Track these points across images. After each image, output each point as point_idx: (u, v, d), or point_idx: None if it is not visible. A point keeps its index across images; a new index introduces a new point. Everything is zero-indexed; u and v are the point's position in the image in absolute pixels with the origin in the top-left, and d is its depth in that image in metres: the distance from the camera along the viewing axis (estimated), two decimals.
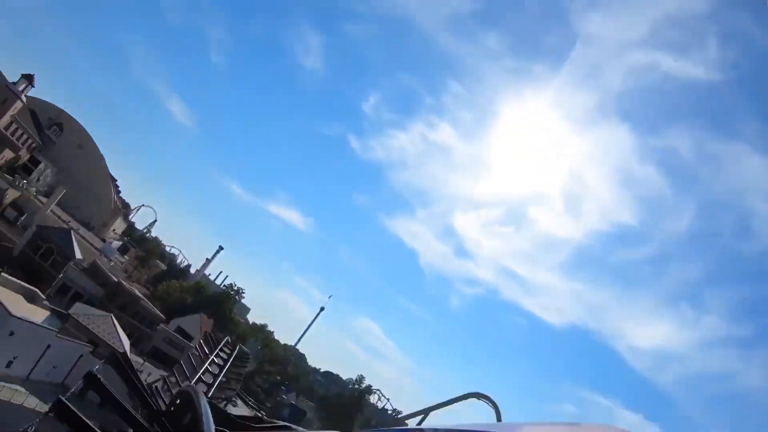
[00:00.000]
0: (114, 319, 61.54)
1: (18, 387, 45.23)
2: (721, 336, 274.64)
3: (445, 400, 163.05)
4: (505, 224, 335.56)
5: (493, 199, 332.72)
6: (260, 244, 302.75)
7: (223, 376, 56.89)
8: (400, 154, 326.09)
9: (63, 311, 58.00)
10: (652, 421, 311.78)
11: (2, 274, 55.02)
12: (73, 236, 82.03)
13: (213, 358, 59.26)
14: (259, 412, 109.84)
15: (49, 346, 48.21)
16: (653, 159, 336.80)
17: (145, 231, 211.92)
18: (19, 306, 50.05)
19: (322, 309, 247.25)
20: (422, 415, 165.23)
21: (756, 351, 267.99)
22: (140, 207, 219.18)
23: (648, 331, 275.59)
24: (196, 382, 50.51)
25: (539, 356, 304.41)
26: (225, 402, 59.45)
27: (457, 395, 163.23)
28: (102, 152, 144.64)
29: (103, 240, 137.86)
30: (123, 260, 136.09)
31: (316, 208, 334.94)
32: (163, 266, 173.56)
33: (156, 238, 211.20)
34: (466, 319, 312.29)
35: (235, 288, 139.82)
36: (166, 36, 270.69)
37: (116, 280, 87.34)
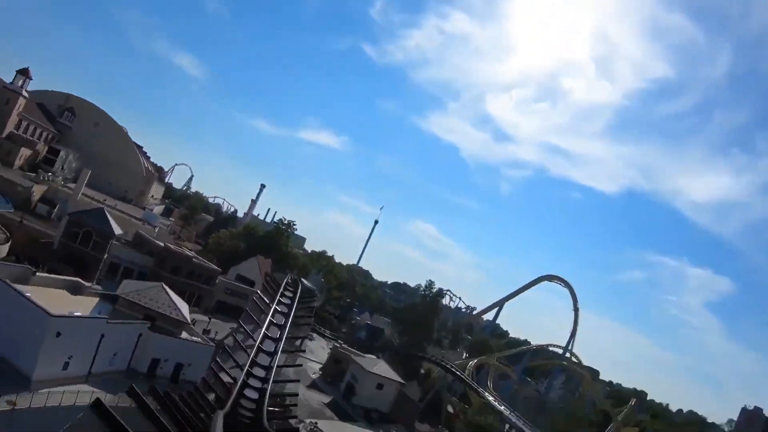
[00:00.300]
0: (165, 287, 58.16)
1: (80, 387, 42.57)
2: None
3: (516, 288, 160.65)
4: (540, 100, 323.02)
5: (523, 78, 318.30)
6: (300, 172, 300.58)
7: (293, 315, 53.36)
8: (418, 52, 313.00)
9: (112, 294, 54.86)
10: (722, 275, 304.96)
11: (38, 273, 51.62)
12: (107, 213, 78.23)
13: (279, 298, 55.74)
14: (336, 341, 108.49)
15: (102, 336, 45.06)
16: (680, 5, 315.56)
17: (184, 188, 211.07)
18: (63, 302, 46.86)
19: (376, 222, 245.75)
20: (497, 308, 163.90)
21: None
22: (174, 167, 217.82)
23: (704, 184, 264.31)
24: (267, 327, 47.20)
25: (598, 228, 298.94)
26: (301, 341, 56.27)
27: (528, 281, 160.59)
28: (121, 124, 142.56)
29: (143, 208, 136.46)
30: (168, 223, 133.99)
31: (347, 124, 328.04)
32: (210, 218, 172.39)
33: (197, 192, 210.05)
34: (518, 204, 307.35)
35: (286, 221, 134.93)
36: None
37: (162, 244, 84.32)
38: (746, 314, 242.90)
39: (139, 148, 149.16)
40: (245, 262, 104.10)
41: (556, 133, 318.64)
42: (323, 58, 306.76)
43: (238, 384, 35.11)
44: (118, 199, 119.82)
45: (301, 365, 61.65)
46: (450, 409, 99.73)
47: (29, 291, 44.73)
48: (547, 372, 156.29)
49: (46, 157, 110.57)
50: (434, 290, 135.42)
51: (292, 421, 39.88)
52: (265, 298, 52.57)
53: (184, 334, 56.03)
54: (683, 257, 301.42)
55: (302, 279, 74.47)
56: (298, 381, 41.08)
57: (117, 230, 76.58)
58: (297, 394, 45.32)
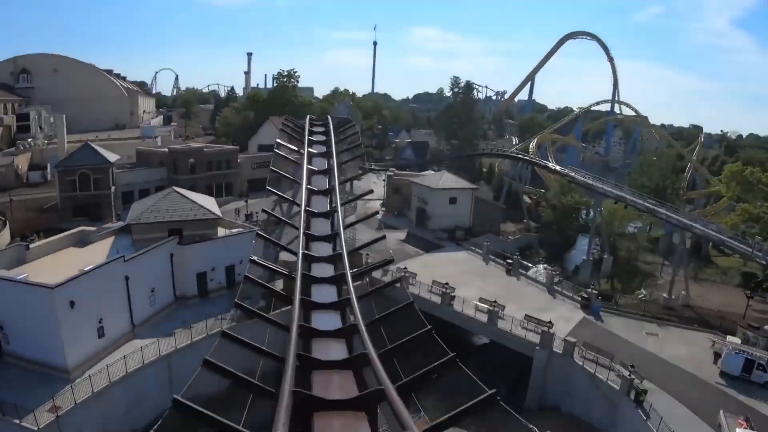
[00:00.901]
0: (177, 189, 47.49)
1: (129, 345, 34.53)
2: None
3: (542, 57, 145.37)
4: None
5: None
6: (282, 28, 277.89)
7: (336, 153, 41.75)
8: None
9: (124, 224, 45.07)
10: None
11: (32, 245, 41.37)
12: (92, 145, 67.68)
13: (310, 138, 44.47)
14: (387, 170, 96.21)
15: (127, 278, 35.75)
16: None
17: (174, 92, 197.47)
18: (71, 261, 36.91)
19: (375, 44, 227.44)
20: (528, 83, 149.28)
21: None
22: (155, 75, 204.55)
23: None
24: (309, 180, 36.14)
25: None
26: (352, 180, 43.42)
27: (551, 47, 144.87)
28: (81, 59, 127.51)
29: (139, 127, 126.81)
30: (170, 128, 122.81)
31: None
32: (210, 107, 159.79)
33: (188, 89, 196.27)
34: None
35: (285, 72, 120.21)
36: None
37: (166, 150, 73.89)
38: None
39: (109, 72, 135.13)
40: (260, 129, 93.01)
41: None
42: None
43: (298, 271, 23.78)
44: (112, 130, 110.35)
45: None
46: (527, 199, 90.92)
47: (26, 270, 34.94)
48: (601, 132, 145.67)
49: (19, 126, 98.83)
50: (461, 85, 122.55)
51: None
52: (290, 145, 41.71)
53: (221, 231, 46.15)
54: None
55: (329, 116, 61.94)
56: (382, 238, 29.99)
57: (111, 157, 66.01)
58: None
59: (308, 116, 53.49)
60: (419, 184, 75.05)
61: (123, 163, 74.71)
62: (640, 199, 64.17)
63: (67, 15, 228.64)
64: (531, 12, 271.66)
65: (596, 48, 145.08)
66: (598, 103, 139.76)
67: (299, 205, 31.09)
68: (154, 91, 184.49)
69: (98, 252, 40.31)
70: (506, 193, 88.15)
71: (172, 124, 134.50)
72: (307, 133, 46.02)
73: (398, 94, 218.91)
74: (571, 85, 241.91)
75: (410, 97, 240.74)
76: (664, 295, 56.35)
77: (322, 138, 47.28)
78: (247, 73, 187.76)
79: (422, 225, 72.73)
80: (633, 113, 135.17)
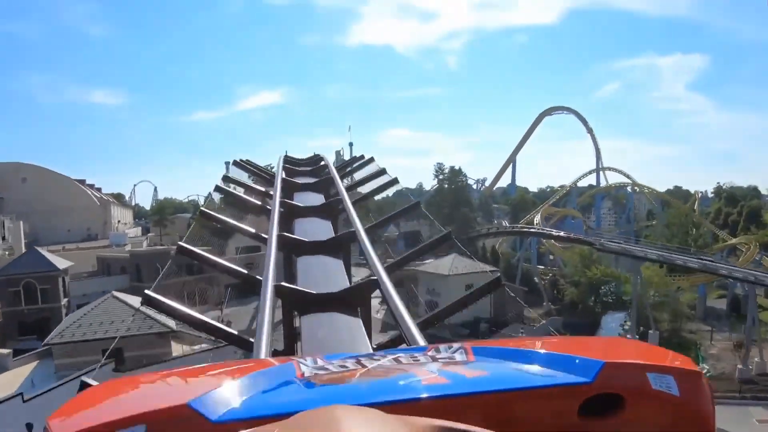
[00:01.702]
0: (118, 295, 35.36)
1: None
2: None
3: (520, 138, 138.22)
4: None
5: None
6: (260, 139, 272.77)
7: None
8: None
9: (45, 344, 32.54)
10: (691, 53, 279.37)
11: None
12: (39, 250, 56.42)
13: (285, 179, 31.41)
14: None
15: (30, 427, 23.46)
16: None
17: (153, 203, 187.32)
18: None
19: (351, 145, 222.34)
20: (510, 165, 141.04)
21: None
22: (134, 187, 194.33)
23: None
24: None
25: (557, 58, 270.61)
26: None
27: (527, 128, 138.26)
28: (54, 169, 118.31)
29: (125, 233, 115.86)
30: (144, 237, 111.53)
31: (280, 76, 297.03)
32: (188, 215, 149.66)
33: (166, 199, 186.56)
34: (472, 70, 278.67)
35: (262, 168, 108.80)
36: (36, 41, 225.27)
37: (127, 255, 61.99)
38: (727, 79, 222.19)
39: (82, 182, 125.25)
40: (237, 234, 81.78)
41: None
42: (227, 25, 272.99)
43: None
44: (83, 241, 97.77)
45: None
46: (539, 280, 79.61)
47: None
48: (590, 205, 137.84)
49: None
50: (446, 171, 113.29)
51: None
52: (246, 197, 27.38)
53: (178, 349, 33.18)
54: (648, 52, 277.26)
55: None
56: None
57: (62, 264, 54.42)
58: None
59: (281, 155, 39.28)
60: (427, 272, 62.56)
61: (82, 272, 63.57)
62: (691, 257, 54.17)
63: (42, 125, 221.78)
64: (496, 106, 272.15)
65: (574, 121, 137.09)
66: (585, 175, 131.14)
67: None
68: (133, 203, 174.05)
69: (11, 384, 27.81)
70: (521, 275, 76.40)
71: (149, 233, 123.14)
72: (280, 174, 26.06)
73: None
74: (555, 162, 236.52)
75: (390, 195, 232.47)
76: (739, 366, 46.34)
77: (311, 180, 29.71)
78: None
79: (435, 322, 58.22)
80: (624, 179, 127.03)
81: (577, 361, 1.93)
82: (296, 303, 7.08)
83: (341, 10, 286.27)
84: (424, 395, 1.81)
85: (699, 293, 61.98)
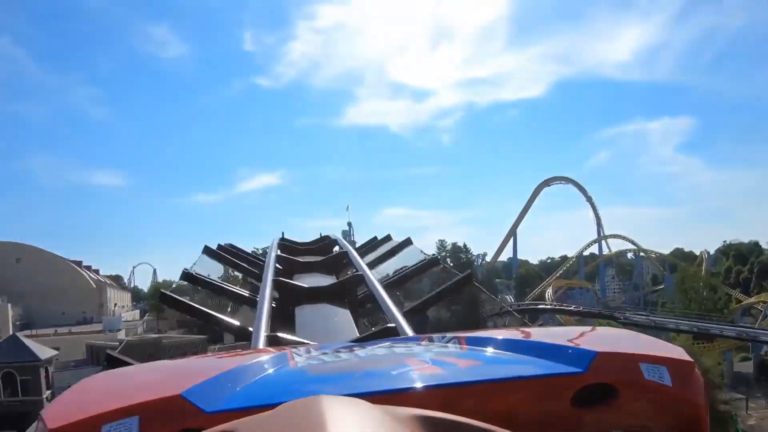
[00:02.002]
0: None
1: None
2: None
3: (520, 211, 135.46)
4: (436, 45, 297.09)
5: (410, 32, 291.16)
6: (259, 219, 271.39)
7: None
8: (306, 60, 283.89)
9: None
10: (678, 116, 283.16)
11: None
12: (21, 338, 51.94)
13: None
14: None
15: None
16: None
17: (151, 285, 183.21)
18: None
19: (350, 224, 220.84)
20: (511, 239, 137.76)
21: None
22: (133, 269, 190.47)
23: (621, 43, 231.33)
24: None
25: (546, 130, 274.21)
26: None
27: (526, 200, 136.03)
28: (52, 250, 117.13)
29: (120, 317, 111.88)
30: (141, 321, 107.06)
31: (277, 158, 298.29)
32: (186, 297, 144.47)
33: (165, 281, 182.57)
34: (464, 146, 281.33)
35: (260, 251, 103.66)
36: (44, 125, 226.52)
37: (118, 343, 57.47)
38: (715, 139, 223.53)
39: (78, 263, 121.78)
40: (235, 317, 77.36)
41: (466, 66, 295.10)
42: (226, 109, 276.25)
43: None
44: (78, 324, 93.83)
45: None
46: None
47: None
48: (594, 273, 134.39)
49: None
50: (448, 247, 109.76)
51: None
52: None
53: None
54: (636, 117, 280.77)
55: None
56: None
57: (45, 353, 49.96)
58: None
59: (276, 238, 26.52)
60: None
61: (71, 359, 59.22)
62: (726, 325, 50.33)
63: (41, 205, 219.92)
64: (492, 180, 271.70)
65: (572, 191, 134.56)
66: (590, 244, 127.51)
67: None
68: (132, 285, 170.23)
69: None
70: None
71: (147, 316, 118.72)
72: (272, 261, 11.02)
73: (378, 272, 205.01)
74: (555, 233, 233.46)
75: (390, 274, 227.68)
76: None
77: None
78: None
79: None
80: (628, 245, 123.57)
81: (570, 350, 1.93)
82: (291, 296, 7.05)
83: (336, 92, 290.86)
84: (417, 385, 1.81)
85: (725, 359, 57.59)
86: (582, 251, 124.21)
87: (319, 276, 9.20)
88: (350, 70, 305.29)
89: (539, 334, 2.28)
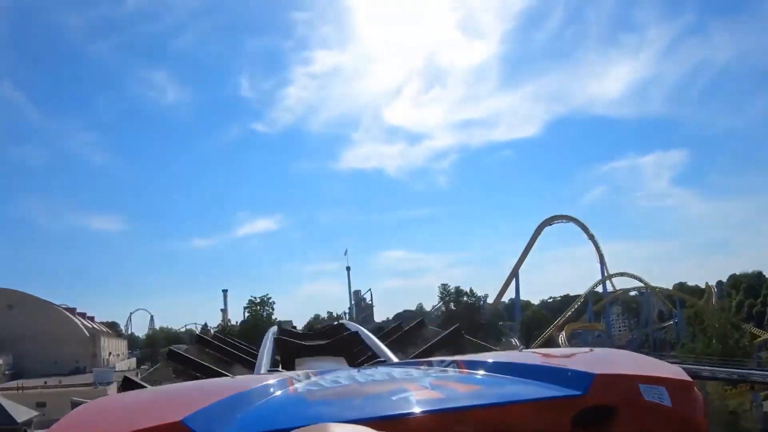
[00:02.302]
0: None
1: None
2: None
3: (522, 250, 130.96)
4: (430, 88, 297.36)
5: (405, 76, 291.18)
6: (256, 265, 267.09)
7: None
8: (303, 105, 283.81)
9: None
10: (671, 149, 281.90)
11: None
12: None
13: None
14: None
15: None
16: None
17: (149, 332, 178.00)
18: None
19: (348, 269, 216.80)
20: (513, 279, 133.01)
21: None
22: (130, 316, 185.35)
23: (611, 80, 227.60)
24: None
25: (540, 169, 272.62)
26: None
27: (529, 237, 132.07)
28: (47, 297, 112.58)
29: (114, 368, 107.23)
30: (135, 373, 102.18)
31: (275, 203, 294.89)
32: (183, 346, 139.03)
33: (162, 328, 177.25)
34: (461, 187, 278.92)
35: (256, 300, 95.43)
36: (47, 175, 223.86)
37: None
38: (707, 170, 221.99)
39: (71, 310, 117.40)
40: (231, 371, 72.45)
41: (460, 108, 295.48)
42: (223, 154, 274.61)
43: None
44: (71, 374, 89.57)
45: None
46: None
47: None
48: (600, 312, 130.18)
49: None
50: (451, 292, 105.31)
51: None
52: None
53: None
54: (629, 153, 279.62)
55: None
56: None
57: (21, 415, 45.41)
58: None
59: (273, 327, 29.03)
60: None
61: (57, 417, 54.36)
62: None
63: (36, 251, 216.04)
64: (488, 220, 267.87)
65: (572, 229, 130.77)
66: (598, 284, 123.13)
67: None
68: (128, 332, 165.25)
69: None
70: None
71: (143, 366, 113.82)
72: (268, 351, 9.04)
73: (378, 316, 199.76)
74: (558, 272, 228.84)
75: (390, 317, 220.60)
76: None
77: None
78: (224, 310, 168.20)
79: None
80: (634, 282, 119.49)
81: (569, 373, 1.90)
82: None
83: (332, 136, 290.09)
84: (417, 410, 1.80)
85: (754, 400, 53.37)
86: (591, 291, 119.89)
87: (329, 360, 7.54)
88: (346, 114, 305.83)
89: (538, 356, 2.19)
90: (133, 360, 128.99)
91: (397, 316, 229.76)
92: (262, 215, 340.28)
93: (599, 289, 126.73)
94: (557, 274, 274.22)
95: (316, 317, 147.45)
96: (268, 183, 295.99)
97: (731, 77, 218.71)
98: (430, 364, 2.19)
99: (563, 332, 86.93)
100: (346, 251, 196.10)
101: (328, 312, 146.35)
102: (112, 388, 76.61)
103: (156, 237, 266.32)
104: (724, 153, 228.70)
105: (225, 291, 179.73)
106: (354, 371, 2.16)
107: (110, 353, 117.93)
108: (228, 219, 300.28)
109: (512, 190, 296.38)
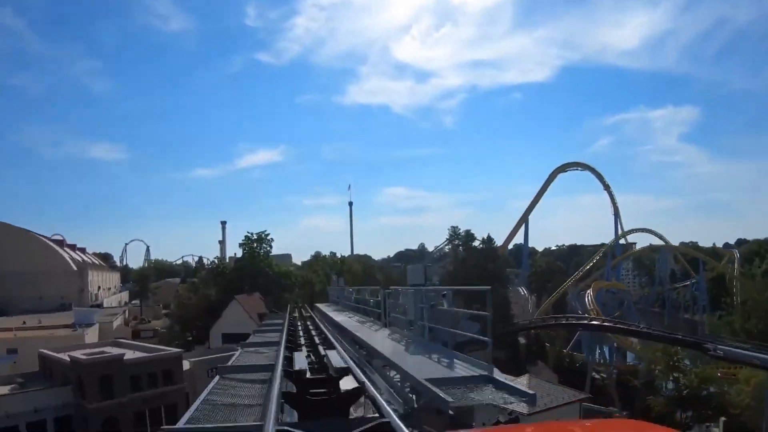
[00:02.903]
0: None
1: None
2: None
3: (534, 196, 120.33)
4: (440, 26, 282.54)
5: (415, 12, 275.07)
6: (257, 197, 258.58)
7: None
8: (310, 36, 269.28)
9: None
10: (682, 105, 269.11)
11: None
12: None
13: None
14: None
15: None
16: None
17: (144, 264, 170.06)
18: None
19: (350, 204, 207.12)
20: (522, 226, 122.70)
21: None
22: (125, 246, 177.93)
23: (627, 30, 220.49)
24: None
25: (550, 116, 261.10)
26: None
27: (542, 183, 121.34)
28: (36, 229, 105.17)
29: (95, 306, 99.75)
30: (122, 311, 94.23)
31: (278, 134, 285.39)
32: (176, 280, 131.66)
33: (156, 260, 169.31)
34: (468, 128, 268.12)
35: (253, 236, 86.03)
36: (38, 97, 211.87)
37: (67, 358, 43.87)
38: (719, 129, 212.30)
39: (60, 242, 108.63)
40: (224, 312, 64.38)
41: (470, 48, 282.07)
42: (227, 84, 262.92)
43: None
44: (56, 311, 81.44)
45: None
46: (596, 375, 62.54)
47: None
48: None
49: None
50: (461, 234, 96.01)
51: None
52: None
53: None
54: (639, 106, 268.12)
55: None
56: None
57: None
58: None
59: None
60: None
61: (27, 371, 47.13)
62: None
63: (35, 180, 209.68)
64: (492, 163, 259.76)
65: (584, 178, 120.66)
66: (622, 236, 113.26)
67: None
68: (123, 264, 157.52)
69: None
70: (590, 381, 58.58)
71: (129, 304, 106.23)
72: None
73: (378, 254, 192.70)
74: (567, 221, 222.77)
75: (391, 256, 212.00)
76: None
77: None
78: (222, 242, 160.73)
79: None
80: (657, 239, 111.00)
81: None
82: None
83: (339, 70, 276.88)
84: None
85: None
86: (612, 244, 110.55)
87: None
88: (353, 48, 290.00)
89: (543, 429, 1.88)
90: (125, 294, 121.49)
91: (399, 254, 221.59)
92: (265, 146, 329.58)
93: (609, 241, 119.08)
94: (564, 222, 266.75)
95: (317, 255, 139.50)
96: (272, 115, 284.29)
97: (750, 38, 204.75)
98: None
99: (590, 290, 78.12)
100: (350, 186, 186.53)
101: (330, 252, 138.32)
102: (93, 331, 68.99)
103: (157, 167, 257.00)
104: (736, 114, 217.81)
105: (224, 223, 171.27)
106: None
107: (100, 287, 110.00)
108: (231, 150, 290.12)
109: (519, 134, 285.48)
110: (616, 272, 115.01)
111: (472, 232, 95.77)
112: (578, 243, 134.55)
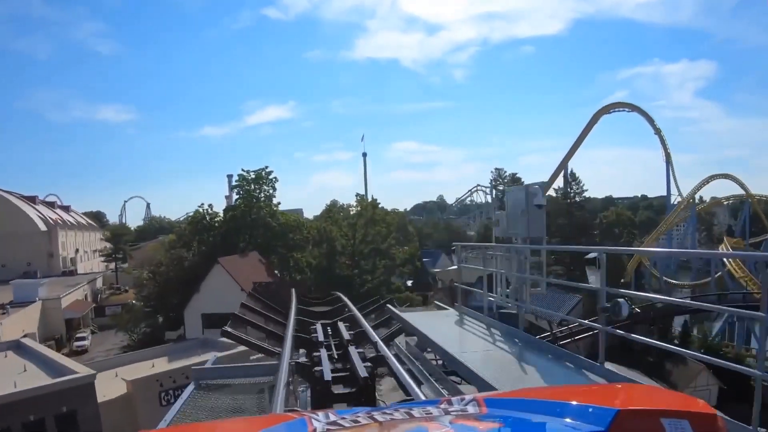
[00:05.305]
0: None
1: None
2: None
3: (576, 138, 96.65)
4: None
5: None
6: (265, 157, 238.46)
7: None
8: None
9: None
10: (698, 59, 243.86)
11: None
12: None
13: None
14: None
15: None
16: None
17: (144, 222, 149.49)
18: None
19: (365, 155, 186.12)
20: (561, 173, 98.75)
21: None
22: (125, 204, 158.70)
23: None
24: None
25: (563, 70, 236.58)
26: None
27: (586, 123, 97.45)
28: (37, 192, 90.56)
29: (74, 271, 78.93)
30: (97, 276, 73.16)
31: (287, 90, 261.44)
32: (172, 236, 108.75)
33: (153, 218, 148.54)
34: (481, 80, 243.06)
35: (250, 175, 59.75)
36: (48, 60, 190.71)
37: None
38: (735, 86, 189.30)
39: (31, 198, 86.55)
40: (204, 283, 42.23)
41: (481, 0, 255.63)
42: (234, 41, 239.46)
43: None
44: (22, 277, 62.91)
45: None
46: None
47: None
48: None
49: None
50: (506, 179, 74.06)
51: None
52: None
53: None
54: (654, 59, 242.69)
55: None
56: None
57: None
58: None
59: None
60: None
61: None
62: None
63: (45, 142, 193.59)
64: (503, 117, 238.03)
65: (637, 119, 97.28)
66: (703, 184, 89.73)
67: None
68: (122, 222, 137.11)
69: None
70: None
71: (108, 270, 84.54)
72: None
73: (391, 208, 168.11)
74: (610, 170, 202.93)
75: (408, 209, 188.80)
76: None
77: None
78: (228, 197, 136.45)
79: None
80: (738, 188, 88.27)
81: (590, 409, 1.84)
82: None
83: (347, 24, 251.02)
84: None
85: None
86: (693, 193, 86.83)
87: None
88: (361, 0, 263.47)
89: (558, 392, 2.07)
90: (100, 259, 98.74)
91: (417, 207, 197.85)
92: (274, 103, 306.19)
93: (662, 193, 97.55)
94: (593, 174, 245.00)
95: (333, 203, 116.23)
96: (281, 71, 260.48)
97: None
98: (449, 402, 2.01)
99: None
100: (363, 137, 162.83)
101: (346, 203, 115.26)
102: (35, 308, 47.95)
103: (165, 126, 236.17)
104: (753, 70, 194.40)
105: (230, 176, 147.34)
106: (374, 411, 1.97)
107: (78, 250, 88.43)
108: (239, 107, 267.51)
109: (532, 87, 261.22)
110: (667, 232, 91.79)
111: (519, 175, 73.28)
112: (614, 195, 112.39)
